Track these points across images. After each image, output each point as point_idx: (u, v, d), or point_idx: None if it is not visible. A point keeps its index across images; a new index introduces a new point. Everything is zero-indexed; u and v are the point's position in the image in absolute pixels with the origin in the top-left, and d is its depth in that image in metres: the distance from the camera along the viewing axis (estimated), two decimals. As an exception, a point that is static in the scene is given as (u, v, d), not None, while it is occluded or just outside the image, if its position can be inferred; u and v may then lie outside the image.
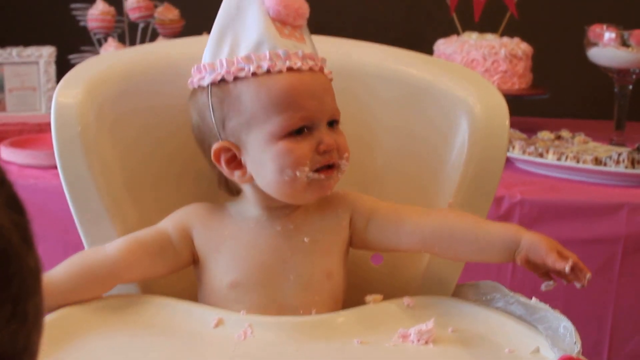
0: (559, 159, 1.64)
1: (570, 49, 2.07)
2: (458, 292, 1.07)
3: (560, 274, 0.91)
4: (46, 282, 0.90)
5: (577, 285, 0.90)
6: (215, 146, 0.97)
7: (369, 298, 1.02)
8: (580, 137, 1.81)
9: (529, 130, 1.89)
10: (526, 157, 1.68)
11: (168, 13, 2.08)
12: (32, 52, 2.05)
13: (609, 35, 1.81)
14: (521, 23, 2.05)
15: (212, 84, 0.96)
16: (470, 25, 2.08)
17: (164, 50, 1.15)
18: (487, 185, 1.07)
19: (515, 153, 1.69)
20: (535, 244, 0.91)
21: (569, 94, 2.32)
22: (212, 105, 0.96)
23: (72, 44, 2.08)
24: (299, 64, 0.94)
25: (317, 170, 0.94)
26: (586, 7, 2.30)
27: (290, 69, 0.94)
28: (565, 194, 1.59)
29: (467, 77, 1.12)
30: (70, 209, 1.05)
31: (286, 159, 0.93)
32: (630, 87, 1.85)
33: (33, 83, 2.06)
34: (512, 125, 1.88)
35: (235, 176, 0.98)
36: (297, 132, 0.94)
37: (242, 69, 0.94)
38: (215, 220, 1.01)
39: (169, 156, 1.12)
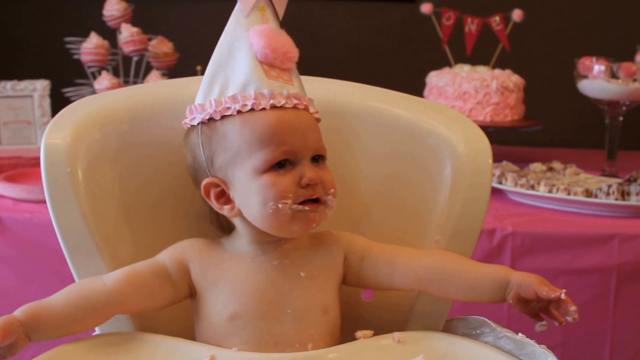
0: (550, 191, 1.65)
1: (562, 81, 2.08)
2: (448, 327, 1.08)
3: (550, 314, 0.94)
4: (43, 310, 0.94)
5: (569, 319, 0.93)
6: (204, 182, 1.00)
7: (359, 334, 1.02)
8: (572, 168, 1.82)
9: (522, 161, 1.90)
10: (518, 189, 1.69)
11: (162, 46, 2.09)
12: (26, 85, 2.06)
13: (598, 67, 1.82)
14: (513, 55, 2.07)
15: (202, 123, 0.99)
16: (462, 57, 2.10)
17: (155, 90, 1.15)
18: (472, 222, 1.07)
19: (508, 185, 1.70)
20: (525, 280, 0.95)
21: (561, 125, 2.34)
22: (202, 143, 0.99)
23: (66, 77, 2.09)
24: (282, 102, 0.96)
25: (302, 203, 0.96)
26: (576, 39, 2.33)
27: (273, 107, 0.96)
28: (557, 225, 1.60)
29: (451, 116, 1.12)
30: (62, 248, 1.05)
31: (269, 191, 0.95)
32: (621, 118, 1.86)
33: (28, 116, 2.06)
34: (505, 156, 1.92)
35: (225, 210, 1.00)
36: (279, 166, 0.96)
37: (229, 108, 0.97)
38: (212, 255, 1.02)
39: (161, 194, 1.12)
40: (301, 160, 0.97)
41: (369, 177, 1.13)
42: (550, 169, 1.82)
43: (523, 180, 1.69)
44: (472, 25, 2.06)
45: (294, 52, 0.99)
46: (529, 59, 2.21)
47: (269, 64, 0.98)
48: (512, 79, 2.00)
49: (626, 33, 2.30)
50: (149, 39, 2.11)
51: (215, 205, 1.00)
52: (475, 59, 2.07)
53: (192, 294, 1.02)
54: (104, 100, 1.12)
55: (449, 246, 1.07)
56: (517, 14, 2.04)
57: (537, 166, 1.82)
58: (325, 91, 1.11)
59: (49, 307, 0.95)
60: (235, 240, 1.03)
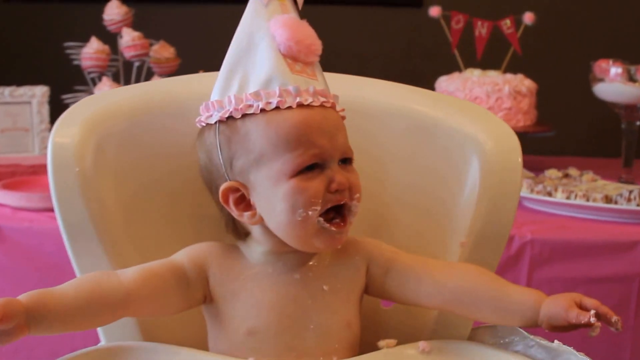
0: (568, 198, 1.59)
1: (575, 85, 2.04)
2: (473, 336, 1.03)
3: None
4: (51, 299, 0.85)
5: (613, 330, 0.88)
6: (223, 186, 0.92)
7: (382, 343, 0.98)
8: (589, 175, 1.77)
9: (535, 169, 1.85)
10: (535, 195, 1.63)
11: (164, 52, 2.04)
12: (24, 91, 2.01)
13: (615, 70, 1.77)
14: (524, 59, 2.02)
15: (220, 121, 0.92)
16: (472, 62, 2.05)
17: (166, 87, 1.10)
18: (501, 224, 1.03)
19: (524, 192, 1.65)
20: (552, 310, 0.90)
21: (575, 131, 2.29)
22: (219, 143, 0.92)
23: (65, 83, 2.04)
24: (309, 100, 0.90)
25: (329, 219, 0.90)
26: (589, 42, 2.29)
27: (300, 105, 0.89)
28: (576, 232, 1.55)
29: (477, 114, 1.09)
30: (68, 251, 1.00)
31: (298, 197, 0.88)
32: (638, 123, 1.81)
33: (26, 124, 2.01)
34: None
35: (245, 217, 0.93)
36: (308, 170, 0.89)
37: (251, 106, 0.90)
38: (231, 262, 0.96)
39: (171, 196, 1.07)
40: (330, 164, 0.90)
41: (394, 176, 1.09)
42: (567, 176, 1.77)
43: (539, 187, 1.64)
44: (482, 29, 2.01)
45: (318, 45, 0.92)
46: (541, 63, 2.16)
47: (292, 57, 0.91)
48: (524, 83, 1.95)
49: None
50: (151, 44, 2.06)
51: (234, 211, 0.93)
52: (485, 64, 2.02)
53: (205, 301, 0.96)
54: (114, 98, 1.08)
55: (475, 249, 1.02)
56: (528, 17, 1.99)
57: (552, 172, 1.77)
58: (349, 88, 1.05)
59: (58, 296, 0.86)
60: (253, 248, 0.97)
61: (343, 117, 0.95)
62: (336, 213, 0.91)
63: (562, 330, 0.90)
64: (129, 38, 2.00)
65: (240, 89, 0.91)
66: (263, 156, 0.90)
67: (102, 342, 1.00)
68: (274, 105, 0.89)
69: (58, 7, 2.54)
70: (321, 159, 0.89)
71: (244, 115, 0.90)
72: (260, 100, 0.89)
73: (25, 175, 1.86)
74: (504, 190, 1.02)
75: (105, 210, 1.00)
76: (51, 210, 1.62)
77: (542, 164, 1.90)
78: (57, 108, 1.81)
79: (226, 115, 0.91)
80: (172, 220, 1.07)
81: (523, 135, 1.91)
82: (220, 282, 0.95)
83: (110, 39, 2.08)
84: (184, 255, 0.96)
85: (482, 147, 1.03)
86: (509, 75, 1.98)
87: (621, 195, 1.56)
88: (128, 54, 2.01)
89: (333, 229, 0.90)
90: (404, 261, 0.98)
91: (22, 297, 0.83)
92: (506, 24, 2.01)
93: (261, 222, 0.93)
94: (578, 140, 2.37)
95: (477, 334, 1.02)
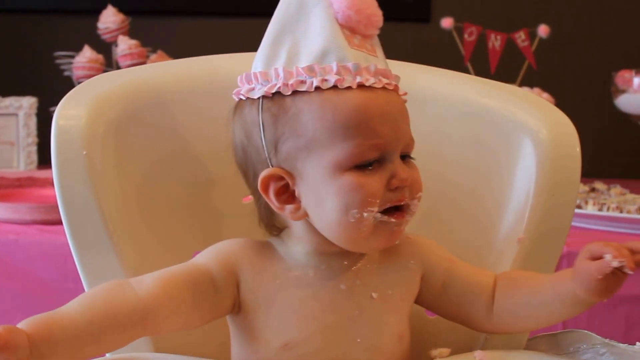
0: (600, 210, 1.48)
1: (594, 98, 1.95)
2: (531, 345, 0.92)
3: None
4: (57, 327, 0.68)
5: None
6: (264, 173, 0.79)
7: (434, 352, 0.87)
8: (617, 188, 1.67)
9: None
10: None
11: (162, 61, 1.93)
12: (11, 102, 1.92)
13: (639, 80, 1.68)
14: (540, 73, 1.93)
15: (265, 97, 0.79)
16: (485, 75, 1.94)
17: (189, 68, 1.00)
18: (561, 216, 0.94)
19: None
20: (582, 275, 0.77)
21: (596, 146, 2.20)
22: (262, 122, 0.79)
23: (55, 95, 1.91)
24: (371, 80, 0.77)
25: (387, 212, 0.78)
26: (607, 53, 2.21)
27: (361, 86, 0.77)
28: (613, 246, 1.44)
29: (530, 101, 1.00)
30: (70, 243, 0.89)
31: (353, 195, 0.76)
32: (664, 136, 1.72)
33: (11, 137, 1.90)
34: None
35: (287, 211, 0.80)
36: (366, 163, 0.77)
37: (304, 82, 0.77)
38: (265, 264, 0.82)
39: (189, 187, 0.97)
40: (391, 157, 0.78)
41: (443, 170, 0.99)
42: (593, 190, 1.67)
43: (567, 200, 1.53)
44: (495, 42, 1.92)
45: (379, 15, 0.80)
46: (557, 76, 2.06)
47: (350, 28, 0.78)
48: (542, 97, 1.85)
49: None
50: (148, 55, 1.95)
51: (274, 203, 0.80)
52: (499, 78, 1.92)
53: (234, 310, 0.82)
54: (127, 77, 0.99)
55: (534, 245, 0.92)
56: (543, 30, 1.90)
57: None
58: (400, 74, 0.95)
59: (67, 323, 0.70)
60: (291, 246, 0.83)
61: (405, 101, 0.83)
62: (395, 211, 0.79)
63: (606, 292, 0.77)
64: (125, 46, 1.89)
65: (289, 60, 0.78)
66: (315, 142, 0.77)
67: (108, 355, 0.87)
68: (331, 84, 0.76)
69: (48, 15, 2.42)
70: (383, 150, 0.77)
71: (295, 92, 0.77)
72: (315, 77, 0.77)
73: (11, 189, 1.74)
74: (563, 179, 0.94)
75: (113, 197, 0.90)
76: (40, 223, 1.53)
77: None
78: (45, 121, 1.70)
79: (273, 90, 0.78)
80: (190, 214, 0.97)
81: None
82: (254, 287, 0.81)
83: (103, 50, 1.98)
84: (211, 258, 0.82)
85: (536, 135, 0.95)
86: (525, 89, 1.89)
87: (657, 206, 1.45)
88: (124, 62, 1.90)
89: (392, 220, 0.78)
90: (462, 278, 0.87)
91: (24, 325, 0.68)
92: (520, 36, 1.93)
93: (305, 217, 0.80)
94: (600, 156, 2.27)
95: (534, 343, 0.91)
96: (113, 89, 0.94)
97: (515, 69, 1.94)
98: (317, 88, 0.77)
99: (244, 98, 0.81)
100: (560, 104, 1.87)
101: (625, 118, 1.78)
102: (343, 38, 0.78)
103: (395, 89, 0.81)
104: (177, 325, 0.79)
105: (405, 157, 0.80)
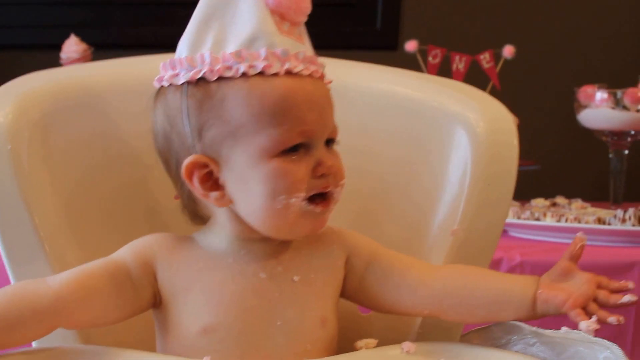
0: (558, 221, 1.47)
1: (558, 117, 1.96)
2: (464, 341, 0.90)
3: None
4: None
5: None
6: (188, 160, 0.78)
7: (360, 343, 0.86)
8: (578, 202, 1.66)
9: (521, 199, 1.74)
10: (522, 221, 1.51)
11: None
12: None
13: (600, 95, 1.69)
14: (504, 93, 1.93)
15: (189, 82, 0.78)
16: (449, 96, 1.95)
17: (115, 68, 1.01)
18: (498, 207, 0.93)
19: (510, 219, 1.52)
20: (549, 307, 0.81)
21: (560, 164, 2.20)
22: (187, 108, 0.78)
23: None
24: (299, 67, 0.78)
25: (312, 200, 0.78)
26: (570, 73, 2.21)
27: (288, 73, 0.77)
28: (568, 255, 1.43)
29: (466, 92, 1.00)
30: (3, 257, 0.88)
31: (280, 182, 0.76)
32: (626, 151, 1.72)
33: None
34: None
35: (212, 198, 0.80)
36: (292, 150, 0.77)
37: (230, 68, 0.77)
38: (183, 253, 0.82)
39: (118, 186, 0.97)
40: (316, 144, 0.78)
41: (373, 162, 0.99)
42: (554, 204, 1.66)
43: (527, 214, 1.53)
44: (460, 64, 1.93)
45: (308, 2, 0.80)
46: (521, 95, 2.06)
47: (280, 14, 0.78)
48: (505, 116, 1.86)
49: (623, 62, 2.20)
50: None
51: (199, 190, 0.79)
52: (463, 98, 1.93)
53: (155, 303, 0.82)
54: (53, 76, 0.98)
55: (468, 238, 0.92)
56: (508, 51, 1.90)
57: (539, 201, 1.66)
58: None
59: None
60: (212, 234, 0.84)
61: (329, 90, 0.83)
62: (319, 199, 0.79)
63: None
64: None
65: (216, 45, 0.78)
66: (241, 128, 0.77)
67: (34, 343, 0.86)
68: (258, 70, 0.76)
69: (13, 53, 2.41)
70: (309, 137, 0.78)
71: (221, 78, 0.77)
72: (242, 62, 0.76)
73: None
74: (499, 168, 0.93)
75: (41, 197, 0.89)
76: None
77: (528, 197, 1.79)
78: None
79: (197, 76, 0.78)
80: (120, 214, 0.97)
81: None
82: (171, 276, 0.81)
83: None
84: (126, 251, 0.82)
85: (470, 125, 0.94)
86: (489, 109, 1.89)
87: (615, 216, 1.44)
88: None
89: (318, 208, 0.78)
90: (387, 254, 0.87)
91: None
92: (485, 57, 1.93)
93: (230, 204, 0.80)
94: (565, 173, 2.27)
95: (469, 338, 0.89)
96: (41, 86, 0.94)
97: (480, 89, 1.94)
98: (244, 74, 0.76)
99: (166, 84, 0.81)
100: (524, 123, 1.88)
101: (589, 134, 1.78)
102: (273, 24, 0.78)
103: (322, 77, 0.81)
104: (94, 316, 0.80)
105: (329, 142, 0.81)
